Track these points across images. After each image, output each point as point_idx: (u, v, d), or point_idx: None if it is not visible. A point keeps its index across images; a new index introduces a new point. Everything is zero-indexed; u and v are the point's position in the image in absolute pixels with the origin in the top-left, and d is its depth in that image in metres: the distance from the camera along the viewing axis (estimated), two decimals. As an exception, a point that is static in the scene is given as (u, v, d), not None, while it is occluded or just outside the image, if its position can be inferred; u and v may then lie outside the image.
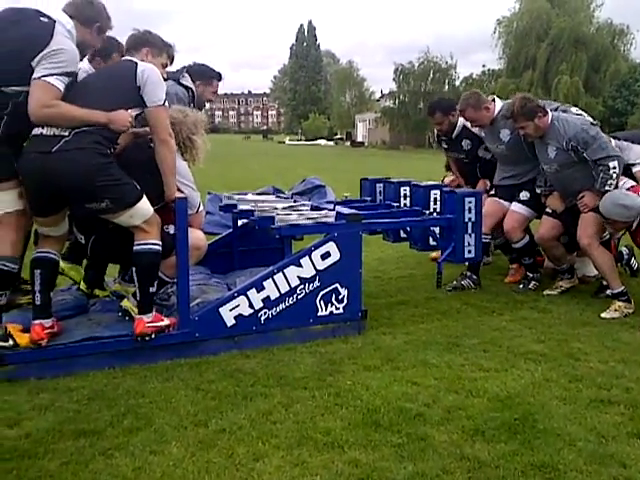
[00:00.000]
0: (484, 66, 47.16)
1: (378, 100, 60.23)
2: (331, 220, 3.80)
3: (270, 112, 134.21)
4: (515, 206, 4.82)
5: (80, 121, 2.92)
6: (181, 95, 3.79)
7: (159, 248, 3.17)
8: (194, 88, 3.90)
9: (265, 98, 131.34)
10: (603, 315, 4.16)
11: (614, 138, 4.77)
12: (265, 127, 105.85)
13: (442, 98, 6.64)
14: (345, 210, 3.99)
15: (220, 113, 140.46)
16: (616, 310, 4.19)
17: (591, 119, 4.59)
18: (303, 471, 2.27)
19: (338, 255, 3.69)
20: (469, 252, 4.20)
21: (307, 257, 3.63)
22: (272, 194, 6.00)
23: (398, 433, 2.54)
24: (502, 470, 2.28)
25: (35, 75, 2.87)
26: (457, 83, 47.29)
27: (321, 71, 77.74)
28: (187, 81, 3.87)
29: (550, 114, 4.37)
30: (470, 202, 4.15)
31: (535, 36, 39.29)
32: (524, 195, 4.78)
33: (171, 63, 3.64)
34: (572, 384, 3.06)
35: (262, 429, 2.57)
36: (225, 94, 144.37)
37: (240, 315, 3.47)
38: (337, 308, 3.73)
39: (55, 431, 2.52)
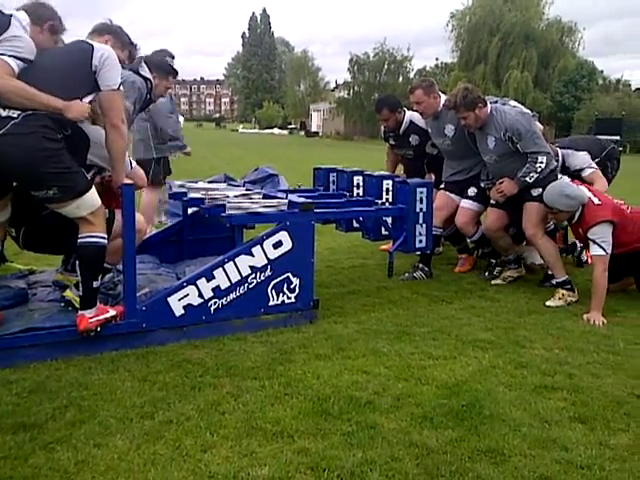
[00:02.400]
0: (437, 59, 47.91)
1: (333, 90, 60.25)
2: (283, 209, 3.76)
3: (223, 100, 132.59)
4: (465, 202, 4.92)
5: (34, 102, 2.78)
6: (139, 85, 3.67)
7: (105, 242, 3.07)
8: (152, 79, 3.80)
9: (218, 85, 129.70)
10: (548, 303, 4.28)
11: (560, 148, 4.97)
12: (218, 115, 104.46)
13: (389, 95, 6.61)
14: (298, 199, 3.98)
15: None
16: (560, 298, 4.31)
17: (529, 111, 4.75)
18: (252, 461, 2.24)
19: (290, 244, 3.66)
20: (420, 242, 4.23)
21: (259, 246, 3.58)
22: (224, 182, 5.92)
23: (348, 421, 2.55)
24: (449, 456, 2.31)
25: None
26: (411, 75, 47.81)
27: (275, 59, 77.17)
28: (145, 72, 3.75)
29: (489, 105, 4.48)
30: (422, 192, 4.18)
31: (487, 30, 40.04)
32: (472, 191, 4.88)
33: (130, 62, 3.58)
34: (517, 371, 3.13)
35: (210, 420, 2.53)
36: (177, 80, 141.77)
37: (189, 305, 3.40)
38: (289, 297, 3.70)
39: (-8, 425, 2.41)
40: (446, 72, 45.62)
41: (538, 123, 4.94)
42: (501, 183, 4.48)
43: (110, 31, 3.41)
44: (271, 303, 3.66)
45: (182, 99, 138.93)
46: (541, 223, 4.48)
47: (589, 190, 4.26)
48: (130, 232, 3.20)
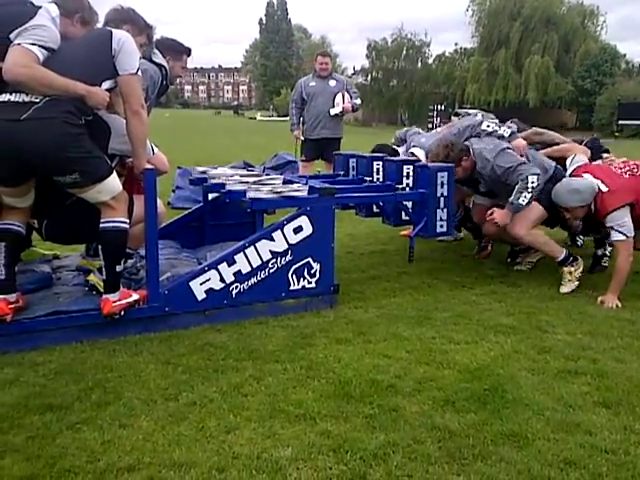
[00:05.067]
0: (456, 44, 47.22)
1: (350, 77, 59.93)
2: (303, 194, 3.75)
3: (241, 87, 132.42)
4: (478, 198, 4.85)
5: (57, 89, 2.80)
6: (151, 72, 3.65)
7: (127, 226, 3.09)
8: (166, 65, 3.80)
9: (236, 73, 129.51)
10: (562, 290, 4.21)
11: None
12: (236, 102, 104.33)
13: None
14: (318, 184, 3.95)
15: (190, 88, 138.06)
16: (569, 280, 4.24)
17: (504, 130, 4.49)
18: (275, 442, 2.26)
19: (311, 229, 3.66)
20: (441, 227, 4.17)
21: (279, 231, 3.59)
22: (244, 169, 5.92)
23: (370, 404, 2.55)
24: (472, 439, 2.30)
25: (13, 43, 2.79)
26: (430, 61, 47.30)
27: (292, 46, 76.72)
28: (159, 58, 3.73)
29: (471, 150, 4.34)
30: (442, 177, 4.11)
31: (508, 15, 39.36)
32: (483, 186, 4.70)
33: (149, 44, 3.60)
34: (540, 356, 3.11)
35: (233, 402, 2.55)
36: (195, 68, 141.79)
37: (211, 289, 3.43)
38: (309, 282, 3.71)
39: (20, 406, 2.46)
40: (465, 57, 44.98)
41: (514, 126, 4.71)
42: (491, 214, 4.25)
43: (126, 19, 3.40)
44: (292, 288, 3.67)
45: (200, 87, 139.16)
46: (530, 224, 4.29)
47: (594, 176, 4.08)
48: (152, 217, 3.22)
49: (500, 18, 39.70)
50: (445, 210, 4.17)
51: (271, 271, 3.59)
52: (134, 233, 3.24)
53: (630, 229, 3.92)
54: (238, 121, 47.08)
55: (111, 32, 3.05)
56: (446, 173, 4.14)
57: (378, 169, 4.71)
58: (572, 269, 4.27)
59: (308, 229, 3.66)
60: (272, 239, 3.58)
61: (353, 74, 52.54)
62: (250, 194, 3.68)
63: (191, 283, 3.39)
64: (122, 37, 3.03)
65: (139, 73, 3.09)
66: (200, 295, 3.41)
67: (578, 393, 2.70)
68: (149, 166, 3.20)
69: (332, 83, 6.61)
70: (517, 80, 38.54)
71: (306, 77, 6.99)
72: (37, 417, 2.39)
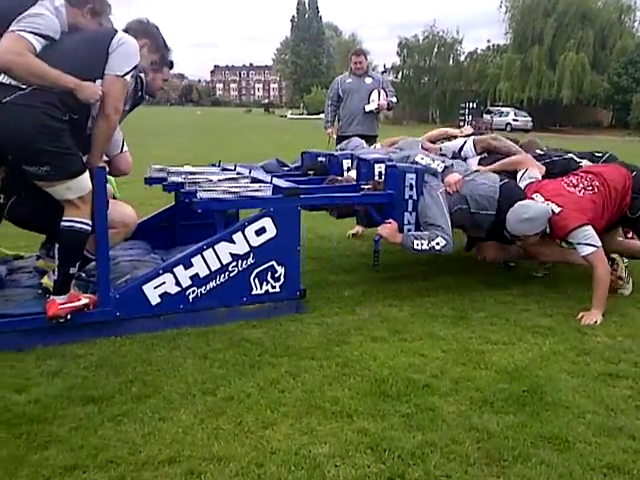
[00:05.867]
0: (489, 41, 46.64)
1: (381, 74, 59.60)
2: (266, 194, 3.57)
3: (272, 85, 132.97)
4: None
5: (47, 80, 2.74)
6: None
7: (88, 228, 2.98)
8: (143, 76, 3.58)
9: (267, 71, 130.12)
10: (624, 294, 4.14)
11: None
12: (267, 100, 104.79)
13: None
14: (283, 184, 3.74)
15: (221, 86, 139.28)
16: (622, 284, 4.17)
17: (432, 164, 4.06)
18: (312, 439, 2.27)
19: (274, 231, 3.48)
20: (409, 231, 3.86)
21: (240, 233, 3.41)
22: (276, 165, 5.90)
23: (406, 403, 2.54)
24: (511, 441, 2.28)
25: (9, 30, 2.74)
26: (462, 58, 46.83)
27: (323, 44, 76.67)
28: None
29: None
30: (412, 178, 3.86)
31: (542, 11, 38.76)
32: None
33: (160, 65, 3.47)
34: (580, 358, 3.06)
35: (270, 397, 2.57)
36: (226, 66, 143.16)
37: (166, 293, 3.27)
38: (273, 287, 3.54)
39: (64, 397, 2.51)
40: (498, 54, 44.44)
41: (448, 160, 4.24)
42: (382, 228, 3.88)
43: (147, 33, 3.32)
44: (254, 292, 3.49)
45: (232, 85, 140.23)
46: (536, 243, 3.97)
47: (545, 197, 3.85)
48: (102, 216, 3.07)
49: (534, 14, 39.11)
50: (414, 214, 3.90)
51: (231, 275, 3.41)
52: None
53: (596, 238, 3.67)
54: (269, 119, 47.27)
55: (117, 31, 2.99)
56: (414, 175, 3.88)
57: (348, 167, 4.59)
58: (618, 273, 4.17)
59: (272, 231, 3.48)
60: (232, 241, 3.39)
61: (384, 72, 52.25)
62: (201, 194, 3.45)
63: (144, 287, 3.24)
64: (124, 38, 2.97)
65: (127, 79, 2.99)
66: (154, 299, 3.25)
67: (620, 396, 2.65)
68: (102, 164, 3.10)
69: (368, 81, 6.59)
70: (551, 77, 37.93)
71: (343, 75, 6.99)
72: (79, 408, 2.44)
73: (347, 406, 2.50)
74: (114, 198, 3.69)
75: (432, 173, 3.97)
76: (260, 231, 3.47)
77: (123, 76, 2.96)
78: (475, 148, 4.64)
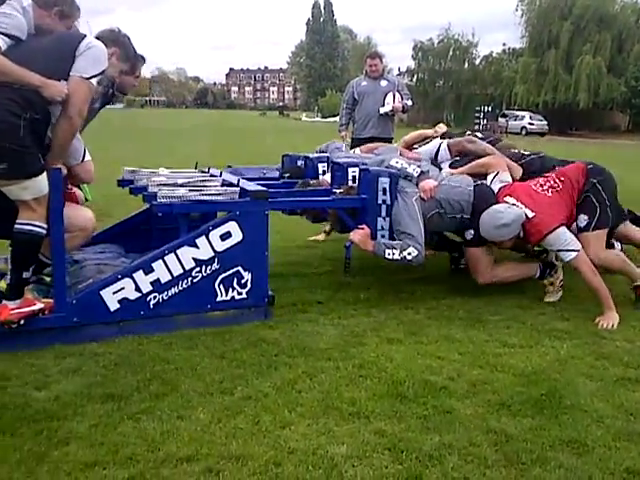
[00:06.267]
0: (504, 45, 46.46)
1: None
2: (233, 197, 3.46)
3: (287, 88, 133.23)
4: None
5: (12, 77, 2.71)
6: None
7: (43, 231, 2.91)
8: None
9: (282, 74, 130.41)
10: (547, 300, 4.05)
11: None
12: (281, 103, 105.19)
13: None
14: (250, 187, 3.64)
15: (236, 89, 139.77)
16: (553, 291, 4.08)
17: (407, 168, 3.90)
18: (329, 439, 2.27)
19: (240, 236, 3.37)
20: (383, 237, 3.77)
21: (204, 237, 3.30)
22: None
23: (423, 405, 2.54)
24: (530, 444, 2.27)
25: None
26: (477, 62, 46.65)
27: (337, 47, 76.77)
28: None
29: None
30: (385, 183, 3.76)
31: (558, 14, 38.50)
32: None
33: (132, 74, 3.50)
34: (598, 362, 3.04)
35: (287, 398, 2.58)
36: (241, 69, 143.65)
37: (125, 299, 3.17)
38: (239, 293, 3.42)
39: (83, 394, 2.54)
40: (514, 58, 44.24)
41: (425, 164, 4.17)
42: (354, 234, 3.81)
43: (117, 42, 3.29)
44: (219, 299, 3.38)
45: (247, 88, 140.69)
46: (487, 267, 4.03)
47: (517, 200, 3.82)
48: (58, 218, 2.99)
49: (550, 17, 38.87)
50: (388, 219, 3.80)
51: (195, 281, 3.29)
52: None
53: (574, 242, 3.69)
54: (284, 122, 47.40)
55: (86, 36, 2.97)
56: (388, 179, 3.79)
57: (324, 171, 4.55)
58: (551, 279, 4.09)
59: (237, 235, 3.37)
60: (196, 246, 3.29)
61: (398, 75, 52.22)
62: (161, 197, 3.34)
63: (102, 292, 3.13)
64: (93, 42, 2.94)
65: (93, 82, 2.93)
66: (113, 305, 3.15)
67: (639, 401, 2.62)
68: (59, 166, 3.01)
69: (383, 83, 6.59)
70: (567, 81, 37.66)
71: (358, 77, 7.00)
72: (99, 406, 2.46)
73: (364, 407, 2.51)
74: (86, 201, 3.64)
75: (407, 177, 3.85)
76: (225, 235, 3.35)
77: (88, 79, 2.90)
78: (450, 152, 4.58)
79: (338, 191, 4.04)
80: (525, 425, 2.40)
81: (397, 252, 3.66)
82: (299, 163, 4.80)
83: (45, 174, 2.90)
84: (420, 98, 44.88)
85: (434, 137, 5.01)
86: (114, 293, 3.16)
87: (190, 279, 3.29)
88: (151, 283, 3.22)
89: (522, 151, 4.67)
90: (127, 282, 3.17)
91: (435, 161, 4.60)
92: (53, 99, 2.83)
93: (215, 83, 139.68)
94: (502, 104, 42.14)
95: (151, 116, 48.16)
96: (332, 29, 76.60)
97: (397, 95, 6.54)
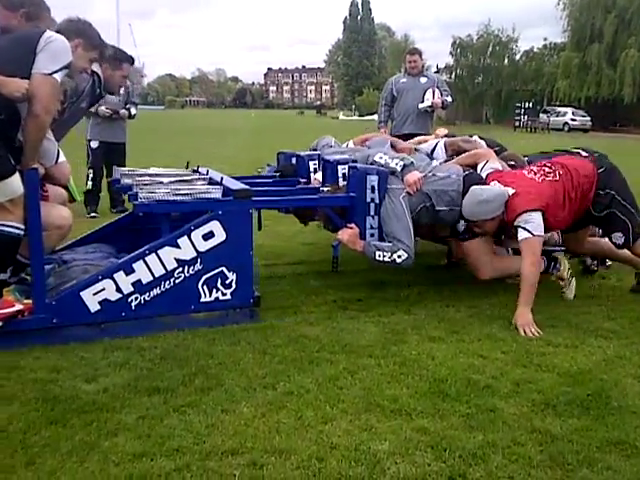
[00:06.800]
0: (546, 39, 45.52)
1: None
2: (216, 196, 3.40)
3: (324, 87, 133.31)
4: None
5: None
6: (78, 81, 3.40)
7: (20, 233, 2.89)
8: (100, 73, 3.56)
9: (319, 73, 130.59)
10: (568, 297, 3.94)
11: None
12: (319, 102, 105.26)
13: None
14: (235, 186, 3.56)
15: (274, 88, 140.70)
16: (565, 286, 3.96)
17: (390, 163, 3.79)
18: (371, 436, 2.28)
19: (224, 235, 3.30)
20: (372, 236, 3.68)
21: (186, 237, 3.23)
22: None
23: (466, 403, 2.52)
24: (576, 445, 2.23)
25: None
26: (517, 57, 45.86)
27: (375, 45, 76.38)
28: (93, 66, 3.47)
29: None
30: (373, 180, 3.65)
31: (602, 7, 37.53)
32: None
33: (101, 60, 3.42)
34: (647, 362, 2.96)
35: (329, 394, 2.59)
36: (279, 69, 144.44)
37: (106, 300, 3.12)
38: (224, 294, 3.36)
39: (130, 387, 2.61)
40: (555, 53, 43.34)
41: (408, 158, 3.91)
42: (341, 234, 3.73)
43: (79, 32, 3.18)
44: (203, 300, 3.32)
45: (284, 87, 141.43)
46: (491, 260, 3.90)
47: (503, 183, 3.68)
48: (35, 219, 2.96)
49: (593, 11, 37.94)
50: (376, 218, 3.70)
51: (177, 281, 3.24)
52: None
53: (537, 226, 3.46)
54: (321, 121, 47.46)
55: (45, 31, 2.88)
56: (377, 177, 3.67)
57: (315, 169, 4.45)
58: (558, 274, 3.94)
59: (220, 235, 3.29)
60: (177, 246, 3.22)
61: (436, 72, 51.72)
62: (141, 196, 3.29)
63: (82, 293, 3.08)
64: (53, 37, 2.86)
65: (56, 77, 2.86)
66: (93, 306, 3.10)
67: (690, 403, 2.55)
68: (35, 166, 2.98)
69: (423, 80, 6.56)
70: (611, 75, 36.70)
71: (397, 75, 6.98)
72: (146, 398, 2.52)
73: (406, 404, 2.50)
74: (73, 201, 3.65)
75: (392, 173, 3.74)
76: (208, 235, 3.28)
77: (51, 74, 2.83)
78: (446, 151, 4.47)
79: (325, 189, 3.98)
80: (571, 426, 2.36)
81: (388, 255, 3.57)
82: (293, 161, 4.73)
83: (17, 175, 2.86)
84: (459, 95, 44.29)
85: (434, 137, 4.90)
86: (94, 294, 3.11)
87: (172, 280, 3.24)
88: (132, 284, 3.17)
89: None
90: (108, 283, 3.13)
91: (430, 159, 4.51)
92: (12, 96, 2.77)
93: (253, 83, 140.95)
94: (543, 100, 41.33)
95: (193, 116, 48.68)
96: (369, 27, 76.24)
97: (437, 91, 6.49)
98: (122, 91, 6.75)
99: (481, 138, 4.73)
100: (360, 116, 50.31)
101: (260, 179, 4.61)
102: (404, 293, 4.03)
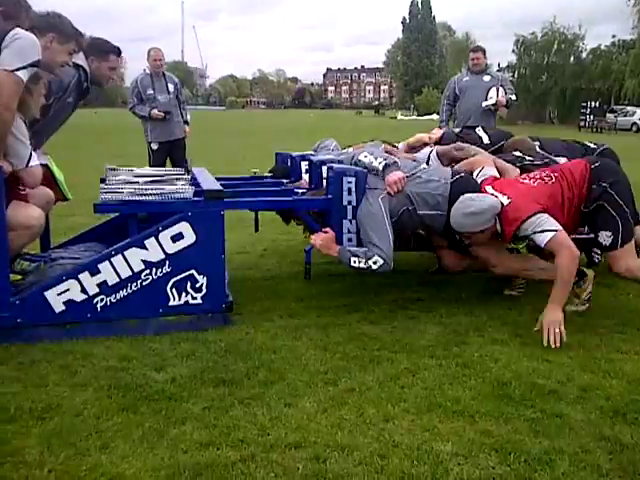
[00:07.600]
0: (614, 37, 43.87)
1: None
2: (187, 196, 3.31)
3: (382, 87, 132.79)
4: None
5: None
6: (62, 75, 3.39)
7: None
8: (86, 65, 3.54)
9: (378, 73, 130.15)
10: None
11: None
12: (377, 102, 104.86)
13: None
14: (207, 186, 3.48)
15: (333, 89, 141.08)
16: (578, 302, 3.68)
17: (374, 162, 3.59)
18: (434, 436, 2.27)
19: (193, 237, 3.23)
20: (349, 240, 3.51)
21: (153, 238, 3.17)
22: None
23: (531, 408, 2.48)
24: (647, 455, 2.16)
25: None
26: (584, 55, 44.38)
27: (435, 44, 75.47)
28: (78, 59, 3.48)
29: None
30: (350, 182, 3.48)
31: (676, 2, 35.89)
32: None
33: (79, 51, 3.38)
34: None
35: (391, 392, 2.60)
36: (338, 69, 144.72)
37: (71, 301, 3.09)
38: (194, 298, 3.29)
39: (197, 378, 2.69)
40: (624, 50, 41.68)
41: (391, 157, 3.65)
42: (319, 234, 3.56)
43: (52, 27, 3.14)
44: (172, 303, 3.25)
45: (343, 87, 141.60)
46: (500, 254, 3.66)
47: (498, 190, 3.45)
48: (1, 219, 2.94)
49: (667, 6, 36.32)
50: (354, 222, 3.51)
51: (145, 283, 3.18)
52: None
53: (552, 222, 3.21)
54: (379, 121, 47.27)
55: (14, 28, 2.83)
56: (354, 178, 3.49)
57: (306, 170, 4.30)
58: (578, 290, 3.65)
59: (190, 237, 3.22)
60: (144, 247, 3.16)
61: (498, 71, 50.65)
62: (103, 196, 3.23)
63: (46, 293, 3.06)
64: (19, 34, 2.81)
65: (19, 74, 2.79)
66: (58, 307, 3.08)
67: None
68: (0, 164, 2.93)
69: (486, 78, 6.46)
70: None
71: (460, 74, 6.90)
72: (211, 389, 2.59)
73: (468, 406, 2.48)
74: (65, 200, 3.65)
75: (373, 172, 3.54)
76: (177, 237, 3.21)
77: (13, 71, 2.77)
78: (440, 160, 4.18)
79: (300, 191, 3.89)
80: (642, 435, 2.29)
81: (363, 261, 3.36)
82: (289, 162, 4.69)
83: None
84: (522, 94, 43.17)
85: (429, 143, 4.65)
86: (59, 294, 3.08)
87: (139, 282, 3.18)
88: (97, 285, 3.13)
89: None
90: (72, 283, 3.09)
91: None
92: None
93: (312, 83, 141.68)
94: (610, 99, 39.85)
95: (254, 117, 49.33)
96: (430, 26, 75.39)
97: (501, 90, 6.38)
98: (171, 89, 6.93)
99: (484, 132, 4.58)
100: (419, 116, 49.85)
101: (252, 180, 4.58)
102: (465, 294, 3.98)
